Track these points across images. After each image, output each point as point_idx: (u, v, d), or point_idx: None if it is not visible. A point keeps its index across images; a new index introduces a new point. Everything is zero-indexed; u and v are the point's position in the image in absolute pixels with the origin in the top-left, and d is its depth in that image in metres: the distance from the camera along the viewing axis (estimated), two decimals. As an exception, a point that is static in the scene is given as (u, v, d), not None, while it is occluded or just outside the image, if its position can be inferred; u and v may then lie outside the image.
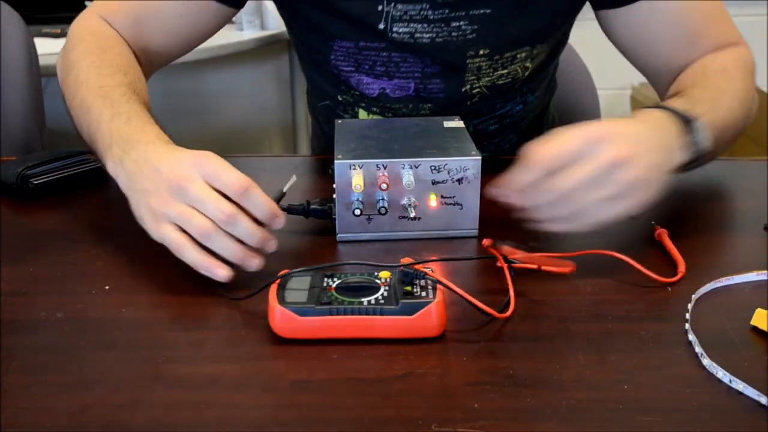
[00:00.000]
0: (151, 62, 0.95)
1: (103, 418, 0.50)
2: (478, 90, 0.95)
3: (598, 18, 0.93)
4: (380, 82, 0.95)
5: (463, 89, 0.95)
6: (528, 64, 0.95)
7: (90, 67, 0.84)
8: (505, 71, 0.94)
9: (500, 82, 0.95)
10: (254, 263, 0.65)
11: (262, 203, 0.65)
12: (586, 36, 1.02)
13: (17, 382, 0.53)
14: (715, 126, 0.76)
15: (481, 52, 0.91)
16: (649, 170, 0.66)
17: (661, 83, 0.95)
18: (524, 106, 1.03)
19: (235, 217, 0.64)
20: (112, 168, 0.72)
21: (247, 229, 0.64)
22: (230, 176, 0.64)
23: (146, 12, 0.91)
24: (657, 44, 0.91)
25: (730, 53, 0.89)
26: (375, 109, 0.98)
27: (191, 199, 0.64)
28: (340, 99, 1.00)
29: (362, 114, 1.00)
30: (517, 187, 0.67)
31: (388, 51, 0.92)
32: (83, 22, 0.94)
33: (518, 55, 0.93)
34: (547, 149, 0.65)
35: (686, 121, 0.72)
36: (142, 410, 0.50)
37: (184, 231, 0.64)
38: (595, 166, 0.64)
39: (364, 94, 0.97)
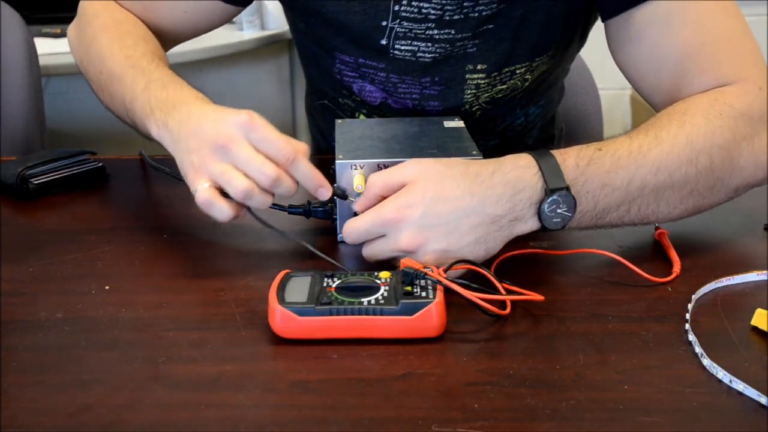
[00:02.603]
0: (162, 42, 0.96)
1: (103, 418, 0.50)
2: (477, 107, 0.94)
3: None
4: (382, 92, 0.94)
5: (462, 108, 0.93)
6: (528, 76, 0.93)
7: (111, 39, 0.85)
8: (504, 86, 0.92)
9: (499, 96, 0.93)
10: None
11: (309, 173, 0.67)
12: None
13: (17, 382, 0.53)
14: (615, 187, 0.67)
15: (479, 67, 0.89)
16: (446, 252, 0.63)
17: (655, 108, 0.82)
18: (525, 118, 1.01)
19: (279, 180, 0.66)
20: (156, 132, 0.74)
21: (288, 188, 0.67)
22: (280, 143, 0.66)
23: (153, 2, 0.92)
24: (644, 66, 0.80)
25: (719, 93, 0.74)
26: (376, 116, 0.98)
27: (233, 159, 0.66)
28: (341, 102, 1.00)
29: (363, 119, 1.00)
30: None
31: (386, 72, 0.91)
32: (94, 1, 0.95)
33: (517, 70, 0.91)
34: (351, 225, 0.66)
35: (551, 190, 0.64)
36: (142, 410, 0.50)
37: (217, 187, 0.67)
38: (388, 246, 0.65)
39: (366, 101, 0.96)
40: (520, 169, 0.65)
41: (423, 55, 0.88)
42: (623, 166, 0.67)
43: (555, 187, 0.64)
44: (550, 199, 0.64)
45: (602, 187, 0.66)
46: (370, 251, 0.67)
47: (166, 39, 0.96)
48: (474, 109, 0.94)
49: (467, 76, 0.90)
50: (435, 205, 0.63)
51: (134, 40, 0.85)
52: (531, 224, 0.66)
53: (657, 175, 0.68)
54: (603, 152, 0.67)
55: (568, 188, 0.64)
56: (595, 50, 1.14)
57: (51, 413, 0.50)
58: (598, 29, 0.91)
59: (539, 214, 0.65)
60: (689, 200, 0.70)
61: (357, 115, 0.99)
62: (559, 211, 0.65)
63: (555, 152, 0.67)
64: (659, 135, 0.69)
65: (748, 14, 0.79)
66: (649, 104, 0.83)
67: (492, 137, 1.00)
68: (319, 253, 0.68)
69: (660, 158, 0.68)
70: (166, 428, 0.49)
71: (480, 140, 0.97)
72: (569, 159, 0.66)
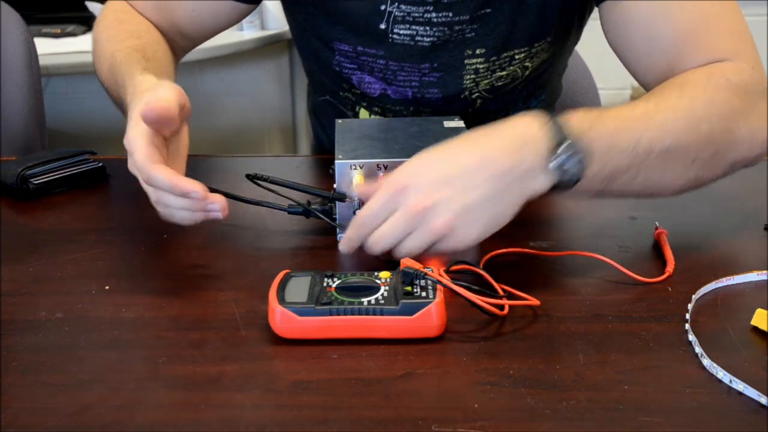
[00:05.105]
0: (178, 44, 0.98)
1: (103, 418, 0.50)
2: (477, 95, 0.94)
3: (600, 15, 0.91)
4: (381, 83, 0.95)
5: (462, 96, 0.94)
6: (527, 64, 0.93)
7: (108, 38, 0.88)
8: (504, 72, 0.93)
9: (499, 84, 0.94)
10: (212, 215, 0.65)
11: (164, 184, 0.64)
12: (585, 36, 1.02)
13: (17, 382, 0.53)
14: (622, 149, 0.66)
15: (478, 52, 0.90)
16: (458, 214, 0.62)
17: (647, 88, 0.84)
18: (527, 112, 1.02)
19: (158, 199, 0.66)
20: None
21: (177, 203, 0.65)
22: (133, 160, 0.66)
23: (162, 3, 0.94)
24: (639, 47, 0.81)
25: (715, 67, 0.75)
26: (376, 108, 0.98)
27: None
28: (342, 95, 1.00)
29: (363, 113, 1.00)
30: (350, 248, 0.67)
31: (385, 59, 0.91)
32: (110, 4, 0.98)
33: (516, 56, 0.92)
34: (360, 215, 0.65)
35: (559, 141, 0.63)
36: (142, 410, 0.50)
37: None
38: (399, 219, 0.63)
39: (366, 93, 0.97)
40: (524, 124, 0.65)
41: (422, 39, 0.89)
42: (629, 129, 0.66)
43: (562, 138, 0.63)
44: (561, 148, 0.63)
45: (609, 149, 0.65)
46: (381, 234, 0.64)
47: (181, 40, 0.98)
48: (474, 96, 0.94)
49: (466, 61, 0.91)
50: (439, 165, 0.63)
51: (125, 35, 0.87)
52: (542, 180, 0.63)
53: (662, 139, 0.67)
54: (607, 115, 0.67)
55: (577, 139, 0.63)
56: (595, 50, 1.14)
57: (51, 413, 0.50)
58: (597, 30, 0.91)
59: (551, 167, 0.63)
60: (691, 170, 0.70)
61: (357, 108, 1.00)
62: (571, 162, 0.63)
63: (557, 114, 0.66)
64: (660, 103, 0.69)
65: (748, 14, 0.79)
66: (643, 86, 0.84)
67: None
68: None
69: (665, 123, 0.67)
70: (166, 428, 0.49)
71: None
72: (573, 119, 0.65)
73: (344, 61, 0.95)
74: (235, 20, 0.98)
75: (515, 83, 0.95)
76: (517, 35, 0.89)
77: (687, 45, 0.77)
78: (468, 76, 0.92)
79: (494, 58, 0.91)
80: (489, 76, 0.93)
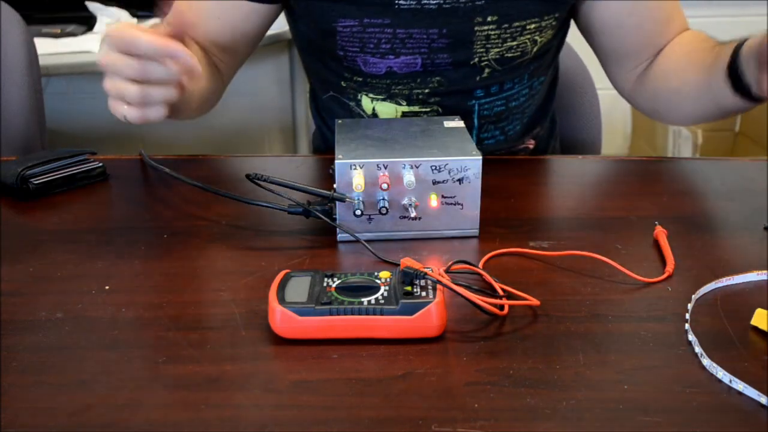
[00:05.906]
0: (223, 56, 1.00)
1: (103, 418, 0.50)
2: (486, 63, 0.95)
3: (580, 8, 0.98)
4: (386, 60, 0.95)
5: (472, 62, 0.95)
6: (537, 38, 0.95)
7: None
8: (515, 42, 0.94)
9: (509, 55, 0.95)
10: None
11: (151, 45, 0.67)
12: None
13: (17, 382, 0.53)
14: None
15: (489, 19, 0.91)
16: None
17: (626, 68, 1.04)
18: (530, 91, 1.04)
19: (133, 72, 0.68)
20: None
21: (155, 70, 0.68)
22: (117, 33, 0.68)
23: (193, 16, 0.95)
24: (640, 27, 0.99)
25: (689, 32, 1.00)
26: (379, 89, 0.98)
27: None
28: (344, 86, 1.00)
29: (365, 102, 1.00)
30: None
31: (392, 27, 0.91)
32: None
33: (528, 26, 0.93)
34: None
35: None
36: (142, 410, 0.50)
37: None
38: None
39: (371, 74, 0.97)
40: None
41: (428, 2, 0.89)
42: None
43: None
44: None
45: None
46: None
47: (221, 54, 0.99)
48: (483, 64, 0.95)
49: (476, 28, 0.92)
50: None
51: None
52: None
53: None
54: None
55: None
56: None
57: (51, 413, 0.50)
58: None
59: None
60: None
61: (359, 96, 1.00)
62: None
63: None
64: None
65: (748, 14, 0.79)
66: (617, 72, 1.05)
67: (498, 103, 1.01)
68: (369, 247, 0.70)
69: None
70: (166, 428, 0.49)
71: (485, 103, 0.99)
72: None
73: (348, 44, 0.94)
74: (261, 23, 0.99)
75: (524, 58, 0.97)
76: (532, 6, 0.92)
77: (665, 24, 0.99)
78: (479, 42, 0.93)
79: (506, 25, 0.92)
80: (500, 45, 0.94)
